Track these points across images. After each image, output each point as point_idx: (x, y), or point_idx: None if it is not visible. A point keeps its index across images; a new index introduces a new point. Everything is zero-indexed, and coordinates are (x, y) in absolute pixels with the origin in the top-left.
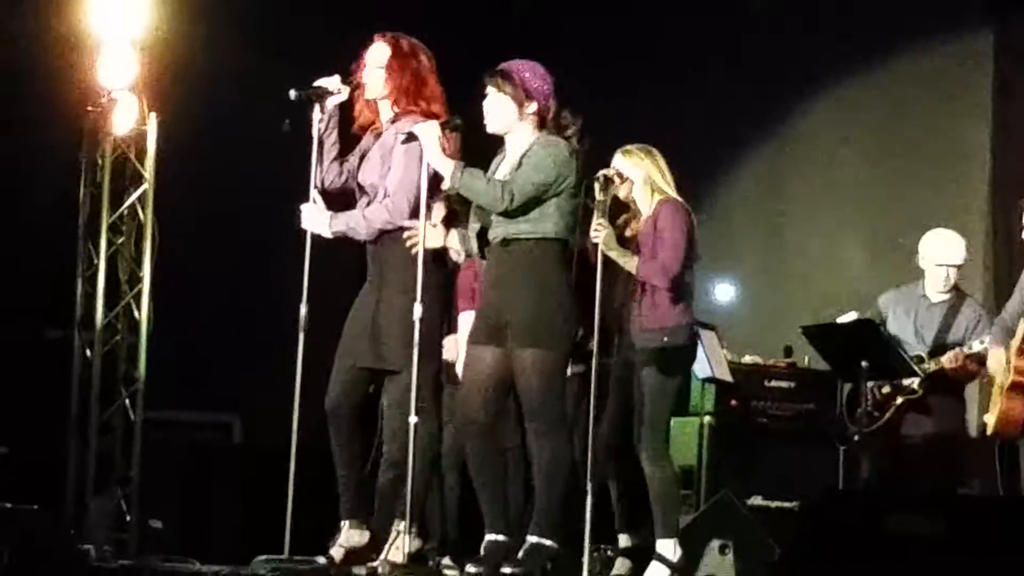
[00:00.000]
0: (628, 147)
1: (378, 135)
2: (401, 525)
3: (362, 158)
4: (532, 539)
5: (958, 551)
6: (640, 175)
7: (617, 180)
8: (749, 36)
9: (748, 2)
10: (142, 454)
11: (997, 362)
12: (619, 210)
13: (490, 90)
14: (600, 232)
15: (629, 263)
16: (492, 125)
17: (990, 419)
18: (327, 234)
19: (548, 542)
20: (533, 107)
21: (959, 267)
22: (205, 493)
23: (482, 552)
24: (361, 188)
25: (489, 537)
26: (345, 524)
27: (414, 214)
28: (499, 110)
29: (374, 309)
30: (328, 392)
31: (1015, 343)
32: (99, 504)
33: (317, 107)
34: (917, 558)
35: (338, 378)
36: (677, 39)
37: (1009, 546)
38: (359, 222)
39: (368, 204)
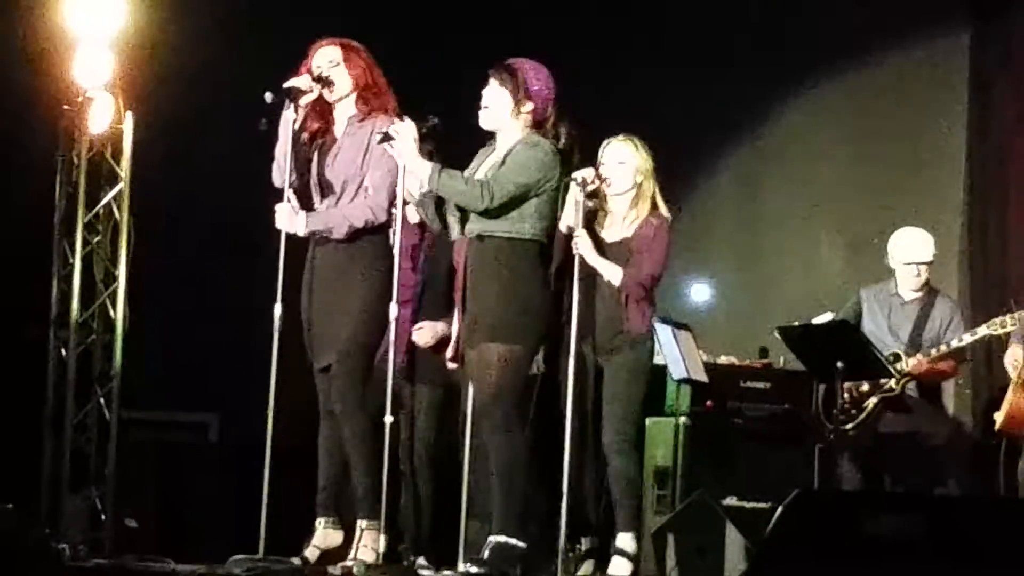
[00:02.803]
0: (632, 137)
1: (330, 131)
2: (363, 523)
3: (321, 155)
4: (497, 538)
5: (935, 552)
6: (634, 167)
7: (596, 181)
8: (727, 38)
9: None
10: (117, 453)
11: (1013, 358)
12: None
13: (492, 82)
14: (581, 240)
15: (611, 272)
16: (486, 120)
17: (999, 415)
18: (302, 233)
19: (514, 541)
20: (528, 107)
21: (929, 264)
22: (180, 492)
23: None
24: (322, 185)
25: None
26: (320, 523)
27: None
28: (496, 103)
29: (338, 306)
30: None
31: None
32: (74, 503)
33: (291, 107)
34: (893, 559)
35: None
36: (655, 39)
37: (986, 547)
38: (339, 221)
39: (336, 201)
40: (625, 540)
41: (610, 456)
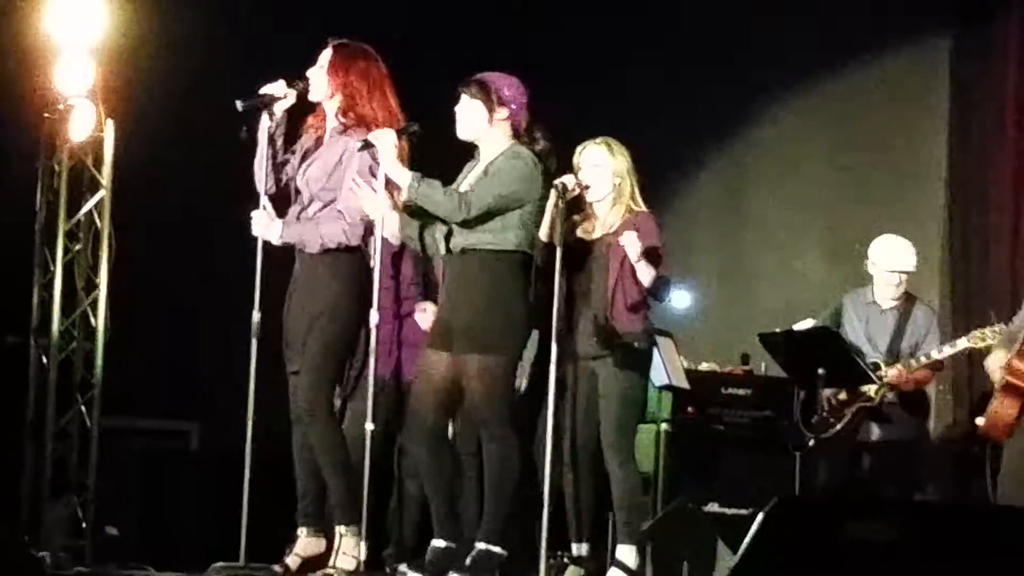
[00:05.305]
0: (607, 139)
1: (319, 138)
2: (342, 529)
3: (302, 159)
4: (480, 546)
5: (914, 558)
6: (611, 170)
7: (577, 188)
8: (708, 44)
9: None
10: (98, 461)
11: (996, 362)
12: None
13: (463, 97)
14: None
15: (642, 272)
16: (462, 130)
17: (981, 420)
18: (276, 242)
19: (497, 549)
20: (504, 114)
21: (910, 273)
22: (162, 500)
23: (427, 558)
24: (298, 190)
25: (435, 543)
26: (302, 532)
27: (368, 231)
28: (469, 115)
29: (308, 313)
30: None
31: (1016, 346)
32: (55, 511)
33: (266, 114)
34: (873, 566)
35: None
36: (636, 46)
37: (965, 554)
38: (312, 237)
39: (301, 211)
40: (626, 553)
41: (611, 468)
